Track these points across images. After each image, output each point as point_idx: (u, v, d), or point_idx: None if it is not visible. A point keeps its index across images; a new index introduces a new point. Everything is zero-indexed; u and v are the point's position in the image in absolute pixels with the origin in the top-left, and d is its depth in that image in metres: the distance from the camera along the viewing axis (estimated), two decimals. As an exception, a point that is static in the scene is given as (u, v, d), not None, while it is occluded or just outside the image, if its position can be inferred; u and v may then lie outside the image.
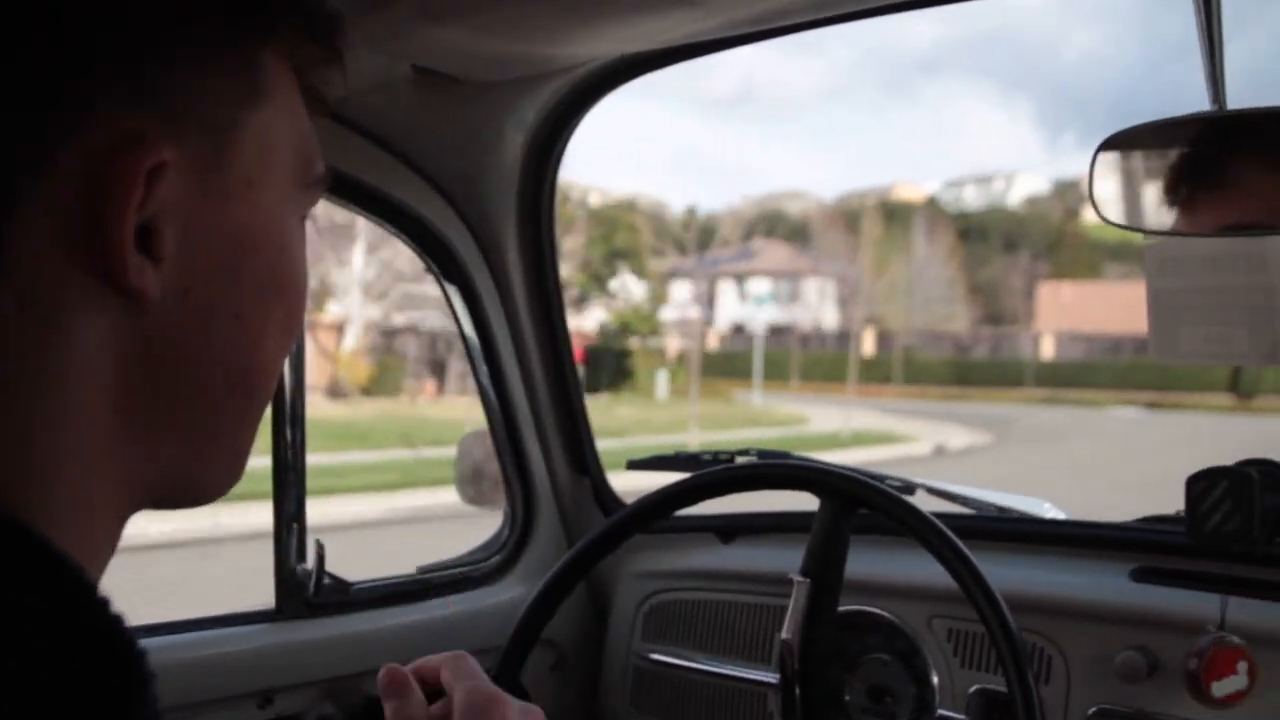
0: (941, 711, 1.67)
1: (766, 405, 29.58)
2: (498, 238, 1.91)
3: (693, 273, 42.57)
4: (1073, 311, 46.89)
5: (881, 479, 1.81)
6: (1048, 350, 43.77)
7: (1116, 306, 42.86)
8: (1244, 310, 1.39)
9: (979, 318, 50.03)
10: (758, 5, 1.43)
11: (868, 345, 44.19)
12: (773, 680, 1.80)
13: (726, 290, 49.05)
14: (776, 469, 1.56)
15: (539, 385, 2.00)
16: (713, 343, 45.08)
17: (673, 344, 41.85)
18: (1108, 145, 1.38)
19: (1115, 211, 1.41)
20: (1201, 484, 1.44)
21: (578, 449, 2.06)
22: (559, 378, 2.01)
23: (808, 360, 43.11)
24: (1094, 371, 40.52)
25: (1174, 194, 1.39)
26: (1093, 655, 1.57)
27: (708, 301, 47.09)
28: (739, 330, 46.78)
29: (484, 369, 1.96)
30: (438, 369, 27.68)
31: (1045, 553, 1.71)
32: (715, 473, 1.56)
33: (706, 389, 32.82)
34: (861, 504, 1.46)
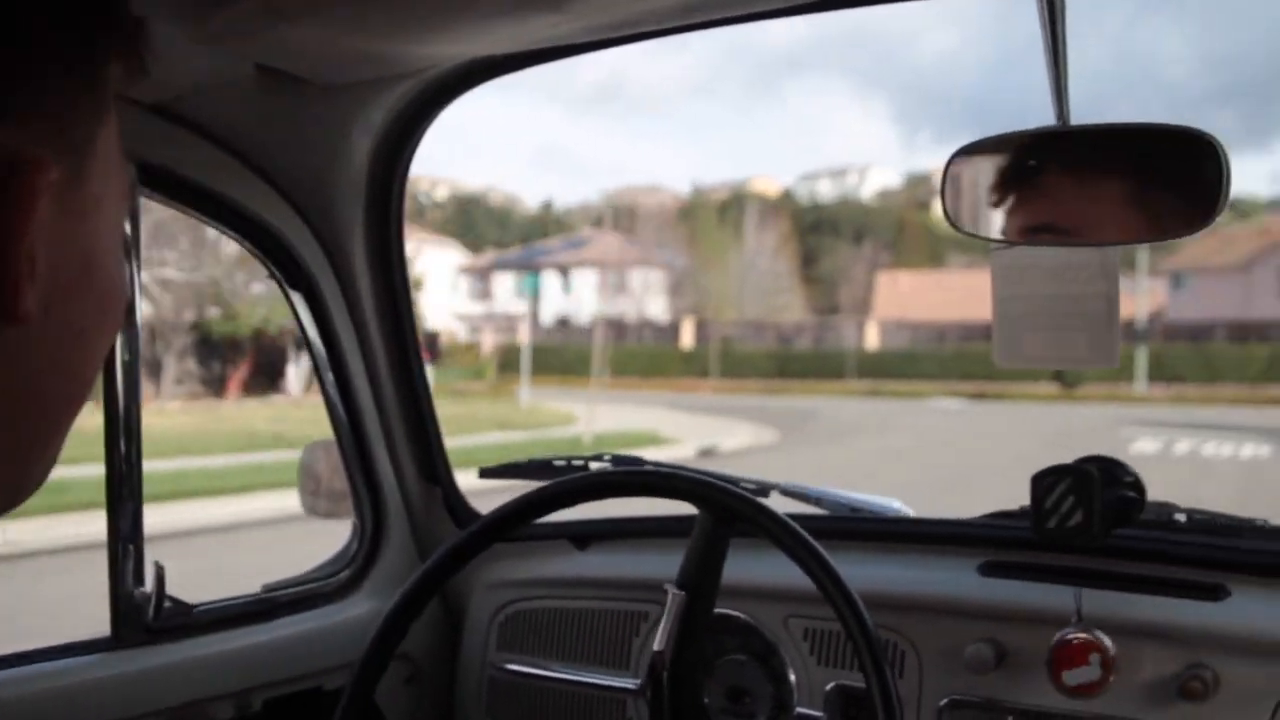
0: (799, 709, 1.70)
1: (536, 404, 26.72)
2: (344, 243, 1.86)
3: (516, 265, 42.16)
4: (911, 300, 46.76)
5: (736, 481, 1.83)
6: (872, 340, 43.01)
7: (955, 294, 43.65)
8: (1084, 317, 1.45)
9: (820, 308, 50.20)
10: (619, 10, 1.42)
11: (686, 337, 43.16)
12: (632, 686, 1.80)
13: (551, 283, 48.12)
14: (641, 476, 1.56)
15: (387, 392, 1.95)
16: (526, 337, 42.80)
17: (488, 340, 41.28)
18: (959, 156, 1.43)
19: (965, 220, 1.45)
20: (1046, 481, 1.50)
21: (428, 457, 2.02)
22: (408, 384, 1.97)
23: (622, 354, 40.59)
24: (918, 361, 39.93)
25: (1018, 204, 1.43)
26: (943, 648, 1.62)
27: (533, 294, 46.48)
28: (564, 324, 45.81)
29: (330, 377, 1.91)
30: (153, 370, 24.01)
31: (896, 550, 1.76)
32: (579, 479, 1.55)
33: (498, 388, 32.13)
34: (726, 514, 1.47)
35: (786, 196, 64.71)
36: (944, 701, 1.61)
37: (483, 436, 17.65)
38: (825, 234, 57.55)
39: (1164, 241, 1.38)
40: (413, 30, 1.45)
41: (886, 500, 1.92)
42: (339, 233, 1.85)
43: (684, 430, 20.72)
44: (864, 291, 51.68)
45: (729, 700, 1.77)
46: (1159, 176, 1.33)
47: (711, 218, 49.21)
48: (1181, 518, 1.63)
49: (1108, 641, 1.48)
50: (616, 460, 1.93)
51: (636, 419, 22.19)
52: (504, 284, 45.87)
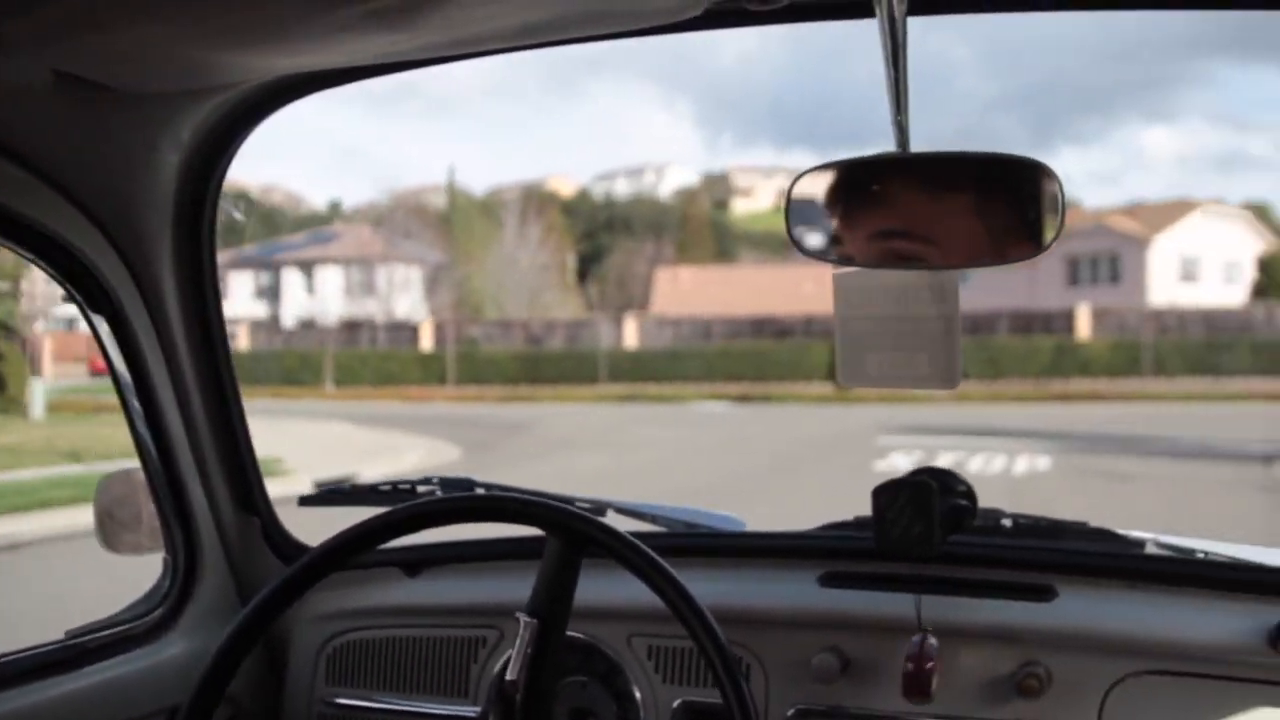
0: None
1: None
2: (152, 264, 1.74)
3: (254, 263, 39.75)
4: (692, 296, 44.24)
5: (572, 501, 1.82)
6: (631, 338, 37.30)
7: (739, 290, 42.93)
8: (925, 338, 1.50)
9: (603, 306, 47.71)
10: (458, 30, 1.38)
11: (425, 339, 37.34)
12: (472, 714, 1.77)
13: (295, 281, 44.28)
14: (494, 501, 1.53)
15: (199, 419, 1.84)
16: (244, 341, 35.79)
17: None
18: (803, 179, 1.46)
19: (808, 242, 1.48)
20: (886, 494, 1.55)
21: (244, 486, 1.92)
22: (222, 410, 1.87)
23: (351, 359, 35.54)
24: (681, 360, 34.80)
25: (860, 228, 1.48)
26: (788, 659, 1.66)
27: (273, 294, 43.38)
28: (309, 326, 40.24)
29: (136, 405, 1.79)
30: None
31: (737, 565, 1.79)
32: (426, 504, 1.51)
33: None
34: (577, 538, 1.45)
35: (582, 195, 64.74)
36: (791, 711, 1.65)
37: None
38: (618, 232, 57.64)
39: (1002, 265, 1.44)
40: (230, 44, 1.37)
41: (723, 515, 1.95)
42: (146, 253, 1.73)
43: (332, 454, 17.01)
44: (644, 286, 50.07)
45: None
46: (998, 202, 1.39)
47: (473, 212, 47.28)
48: (1008, 523, 1.72)
49: (949, 646, 1.54)
50: (445, 484, 1.88)
51: (273, 440, 15.39)
52: (243, 284, 43.01)
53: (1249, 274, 43.00)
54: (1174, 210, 47.50)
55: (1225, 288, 43.15)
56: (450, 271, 43.37)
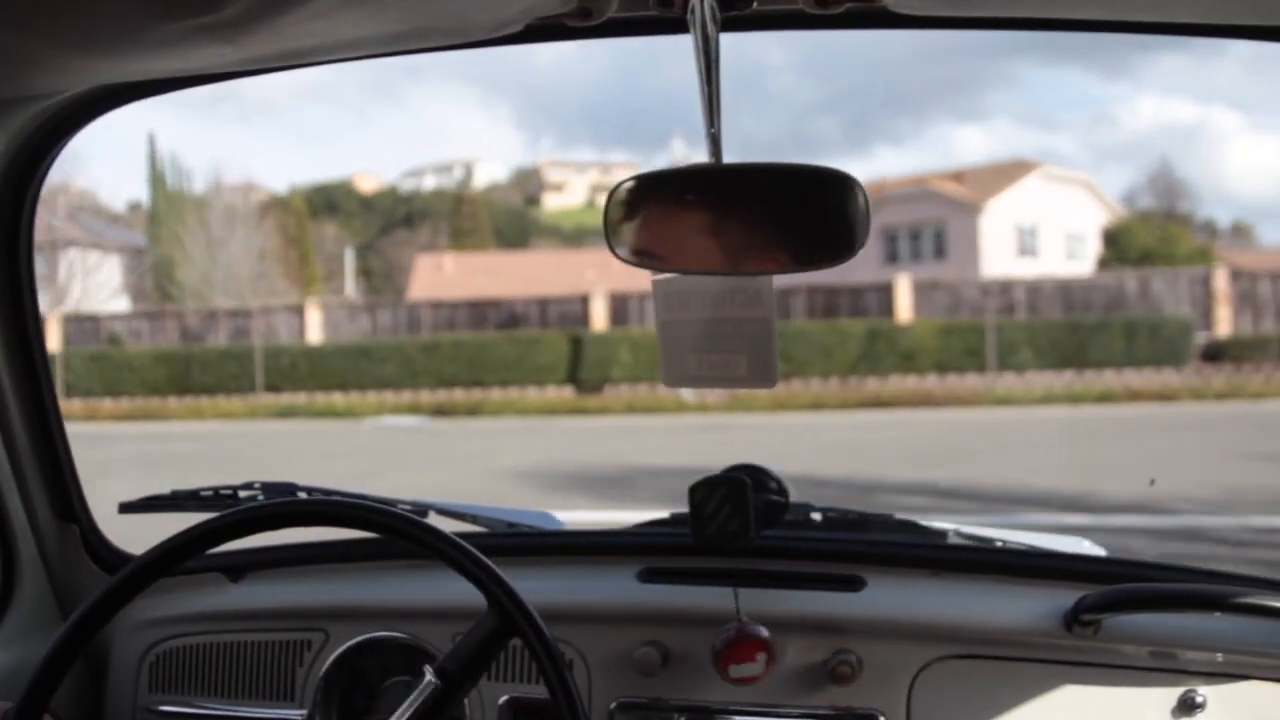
0: None
1: None
2: None
3: None
4: (456, 283, 40.27)
5: (394, 503, 1.84)
6: (314, 332, 29.03)
7: (511, 275, 39.51)
8: (743, 339, 1.57)
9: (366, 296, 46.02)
10: (287, 43, 1.39)
11: (53, 338, 27.45)
12: (297, 717, 1.77)
13: None
14: (327, 506, 1.53)
15: (16, 427, 1.80)
16: None
17: None
18: (621, 188, 1.51)
19: (625, 250, 1.54)
20: (702, 491, 1.61)
21: (63, 494, 1.88)
22: (39, 417, 1.83)
23: None
24: (371, 359, 26.37)
25: (677, 236, 1.53)
26: (610, 654, 1.71)
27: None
28: None
29: None
30: None
31: (559, 563, 1.83)
32: (258, 508, 1.51)
33: None
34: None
35: (387, 192, 63.57)
36: (614, 704, 1.70)
37: None
38: (415, 225, 56.82)
39: (812, 271, 1.51)
40: (66, 50, 1.35)
41: (541, 513, 1.99)
42: None
43: None
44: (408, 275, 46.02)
45: None
46: (806, 212, 1.47)
47: (183, 199, 41.36)
48: (818, 516, 1.80)
49: (766, 635, 1.61)
50: (267, 489, 1.88)
51: None
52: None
53: (1094, 247, 38.49)
54: (1008, 173, 41.15)
55: (1068, 263, 36.92)
56: (144, 256, 38.62)
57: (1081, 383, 23.74)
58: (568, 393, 25.27)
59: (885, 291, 26.98)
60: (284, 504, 1.62)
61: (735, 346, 1.57)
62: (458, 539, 1.46)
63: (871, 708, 1.64)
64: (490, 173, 75.15)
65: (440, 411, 23.57)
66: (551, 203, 75.76)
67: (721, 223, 1.51)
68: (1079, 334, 25.15)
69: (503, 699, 1.73)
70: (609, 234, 1.53)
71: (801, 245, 1.48)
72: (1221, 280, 27.02)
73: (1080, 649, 1.61)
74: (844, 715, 1.64)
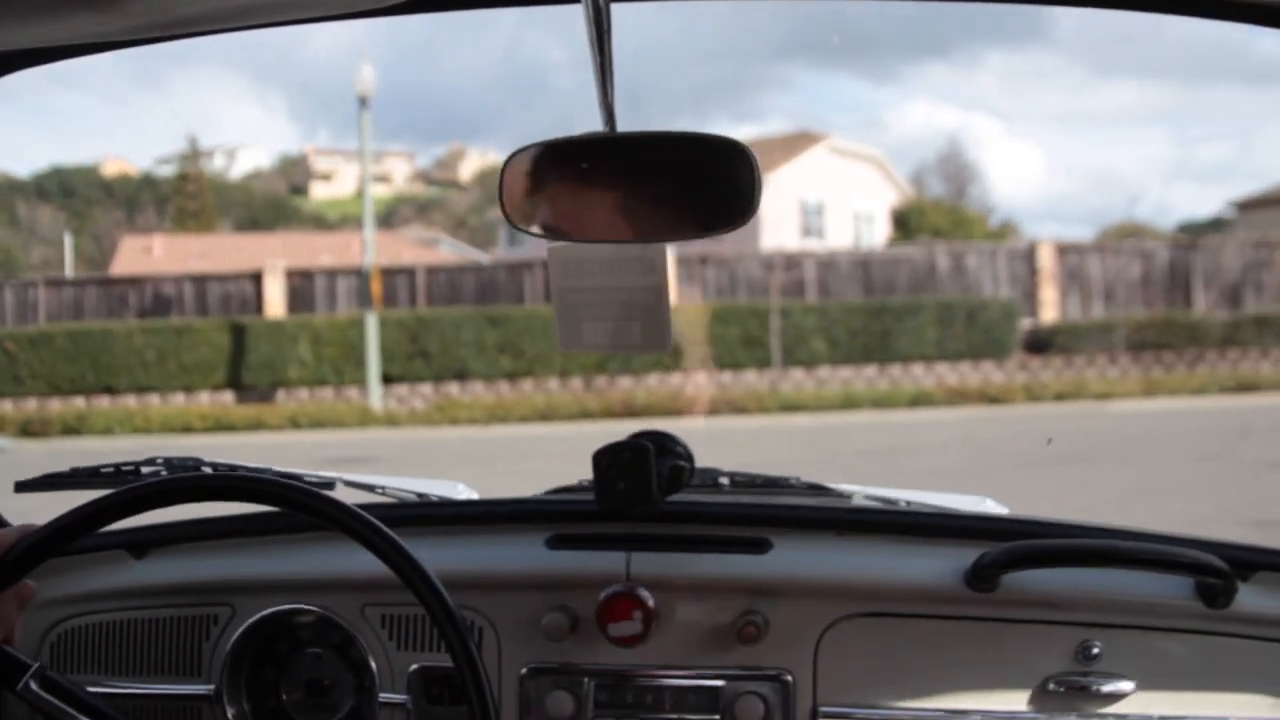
0: (383, 695, 1.74)
1: None
2: None
3: None
4: (164, 265, 33.06)
5: (300, 477, 1.83)
6: None
7: (230, 257, 32.47)
8: (638, 307, 1.58)
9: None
10: (171, 11, 1.36)
11: None
12: (204, 692, 1.77)
13: None
14: (226, 480, 1.52)
15: None
16: None
17: None
18: (515, 157, 1.50)
19: (520, 218, 1.54)
20: (606, 457, 1.63)
21: None
22: None
23: None
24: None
25: (571, 204, 1.54)
26: (519, 620, 1.72)
27: None
28: None
29: None
30: None
31: (467, 532, 1.83)
32: (159, 483, 1.50)
33: None
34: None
35: (131, 178, 61.58)
36: (524, 670, 1.71)
37: None
38: (163, 211, 54.92)
39: (706, 237, 1.52)
40: None
41: (450, 484, 2.00)
42: None
43: None
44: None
45: (309, 694, 1.77)
46: (699, 179, 1.47)
47: None
48: (725, 480, 1.82)
49: (648, 596, 1.64)
50: (170, 464, 1.87)
51: None
52: None
53: (884, 229, 35.99)
54: (792, 144, 36.57)
55: (856, 246, 31.41)
56: None
57: (887, 380, 20.00)
58: (228, 398, 20.35)
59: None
60: (187, 479, 1.61)
61: (629, 314, 1.59)
62: (359, 510, 1.45)
63: (779, 666, 1.67)
64: (254, 160, 73.20)
65: (29, 431, 18.06)
66: (320, 192, 72.31)
67: (615, 190, 1.52)
68: (882, 320, 21.02)
69: (413, 668, 1.74)
70: (506, 207, 1.52)
71: (694, 211, 1.48)
72: (1047, 256, 23.11)
73: (981, 605, 1.65)
74: (751, 674, 1.67)
